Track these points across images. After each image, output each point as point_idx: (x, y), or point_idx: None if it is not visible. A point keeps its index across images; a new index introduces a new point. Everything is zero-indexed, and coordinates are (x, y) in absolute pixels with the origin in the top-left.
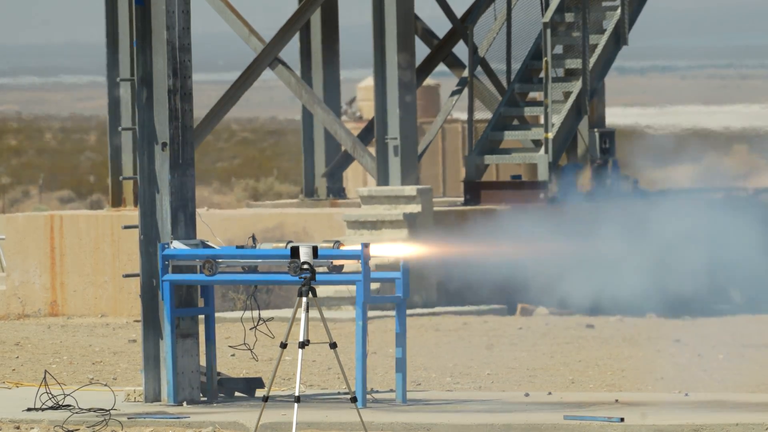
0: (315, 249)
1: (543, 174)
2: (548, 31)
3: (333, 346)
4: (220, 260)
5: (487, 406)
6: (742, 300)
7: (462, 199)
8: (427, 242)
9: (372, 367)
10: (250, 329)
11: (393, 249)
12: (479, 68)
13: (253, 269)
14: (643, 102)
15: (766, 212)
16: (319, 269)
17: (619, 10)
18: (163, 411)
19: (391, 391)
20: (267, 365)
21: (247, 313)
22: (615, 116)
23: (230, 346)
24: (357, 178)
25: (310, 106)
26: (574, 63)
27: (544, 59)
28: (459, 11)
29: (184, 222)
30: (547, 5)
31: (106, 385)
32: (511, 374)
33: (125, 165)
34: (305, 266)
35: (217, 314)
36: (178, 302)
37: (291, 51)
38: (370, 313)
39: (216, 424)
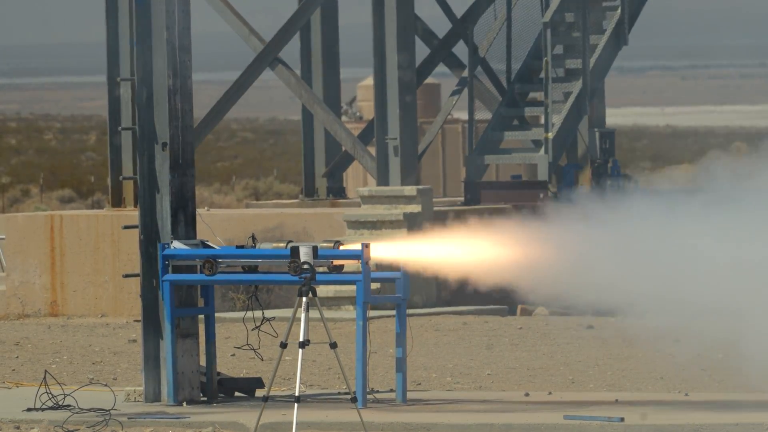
0: (315, 249)
1: (543, 174)
2: (548, 31)
3: (333, 346)
4: (220, 260)
5: (487, 406)
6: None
7: (462, 199)
8: (427, 243)
9: (372, 367)
10: (252, 329)
11: (392, 249)
12: (479, 68)
13: (253, 269)
14: (643, 102)
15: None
16: (319, 269)
17: (619, 10)
18: (163, 411)
19: (391, 391)
20: (267, 365)
21: (249, 314)
22: (615, 116)
23: (235, 347)
24: (357, 178)
25: (310, 106)
26: (574, 63)
27: (544, 59)
28: (459, 11)
29: (184, 222)
30: (547, 5)
31: (106, 385)
32: (511, 374)
33: (125, 165)
34: (305, 266)
35: (217, 314)
36: (178, 302)
37: (291, 51)
38: (370, 313)
39: (216, 424)
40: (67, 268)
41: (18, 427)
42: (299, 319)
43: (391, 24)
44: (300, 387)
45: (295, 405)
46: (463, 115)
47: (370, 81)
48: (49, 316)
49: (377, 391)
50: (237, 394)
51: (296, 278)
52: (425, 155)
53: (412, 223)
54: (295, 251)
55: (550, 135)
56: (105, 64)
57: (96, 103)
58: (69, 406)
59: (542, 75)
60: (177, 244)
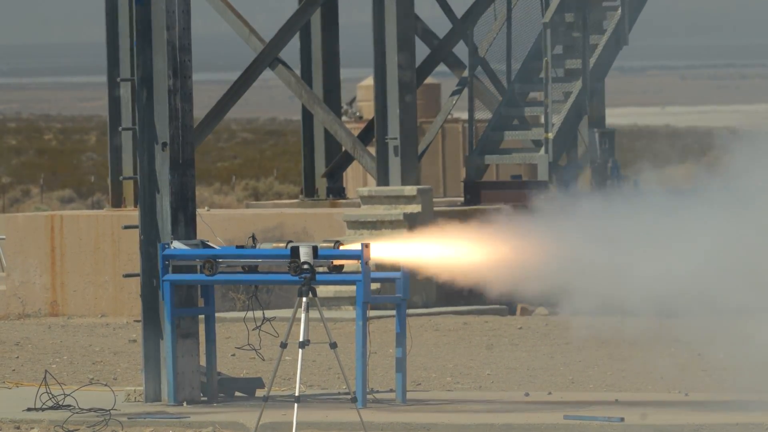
0: (315, 249)
1: (543, 174)
2: (548, 31)
3: (333, 346)
4: (220, 260)
5: (487, 406)
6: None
7: (462, 199)
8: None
9: (372, 367)
10: (253, 329)
11: (392, 250)
12: (479, 68)
13: (253, 269)
14: (643, 102)
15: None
16: (319, 269)
17: (619, 10)
18: (163, 411)
19: (391, 391)
20: (267, 365)
21: (250, 314)
22: (615, 116)
23: (236, 347)
24: (357, 178)
25: (310, 106)
26: (574, 63)
27: (544, 59)
28: (459, 11)
29: (184, 222)
30: (547, 5)
31: (106, 385)
32: (511, 374)
33: (125, 165)
34: (305, 266)
35: (217, 314)
36: (178, 302)
37: (291, 51)
38: (370, 313)
39: (216, 424)
40: (67, 268)
41: (18, 427)
42: (299, 319)
43: (391, 24)
44: (300, 387)
45: (295, 405)
46: (463, 115)
47: (370, 81)
48: (49, 316)
49: (377, 391)
50: (237, 394)
51: (296, 278)
52: (425, 155)
53: (412, 223)
54: (295, 251)
55: (550, 135)
56: (105, 64)
57: (96, 103)
58: (69, 406)
59: (542, 75)
60: (177, 244)
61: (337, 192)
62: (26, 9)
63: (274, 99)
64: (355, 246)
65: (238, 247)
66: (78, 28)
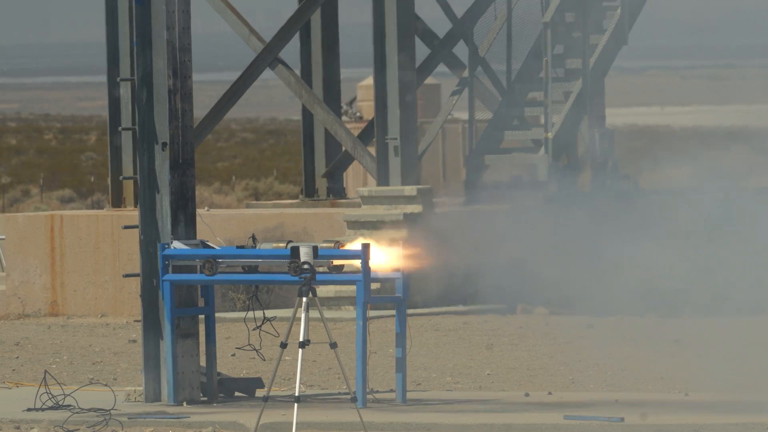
0: (315, 249)
1: (543, 174)
2: (548, 31)
3: (333, 346)
4: (220, 260)
5: (487, 406)
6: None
7: (462, 199)
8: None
9: (372, 367)
10: (254, 329)
11: (389, 255)
12: (479, 68)
13: (253, 269)
14: (643, 102)
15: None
16: (319, 269)
17: (619, 10)
18: (163, 411)
19: (391, 391)
20: (267, 365)
21: (250, 314)
22: (615, 116)
23: (237, 348)
24: (357, 178)
25: (310, 106)
26: (574, 63)
27: (544, 59)
28: (459, 11)
29: (184, 222)
30: (547, 5)
31: (106, 385)
32: (511, 374)
33: (125, 165)
34: (305, 266)
35: (217, 314)
36: (178, 302)
37: (291, 51)
38: (370, 313)
39: (216, 424)
40: (67, 268)
41: (18, 427)
42: (299, 319)
43: (391, 24)
44: (300, 387)
45: (295, 405)
46: (463, 115)
47: (370, 81)
48: (49, 316)
49: (377, 391)
50: (237, 394)
51: (296, 278)
52: (425, 155)
53: (413, 223)
54: (295, 251)
55: (550, 135)
56: (105, 64)
57: (96, 103)
58: (69, 406)
59: (542, 75)
60: (177, 244)
61: (337, 192)
62: (26, 9)
63: (274, 99)
64: (355, 246)
65: (238, 247)
66: (78, 28)
